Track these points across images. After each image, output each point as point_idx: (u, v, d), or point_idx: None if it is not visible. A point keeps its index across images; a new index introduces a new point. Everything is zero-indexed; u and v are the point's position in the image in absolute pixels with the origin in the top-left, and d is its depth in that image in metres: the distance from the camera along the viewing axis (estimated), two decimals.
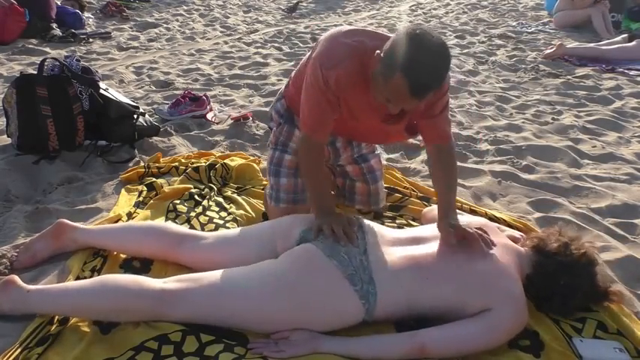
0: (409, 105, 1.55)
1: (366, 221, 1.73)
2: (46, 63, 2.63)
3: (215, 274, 1.52)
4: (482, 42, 5.87)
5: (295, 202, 1.99)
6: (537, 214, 2.26)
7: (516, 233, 1.89)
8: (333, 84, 1.64)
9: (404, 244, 1.61)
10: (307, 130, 1.78)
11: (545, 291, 1.59)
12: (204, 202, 2.20)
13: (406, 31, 1.47)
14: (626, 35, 5.39)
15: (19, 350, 1.37)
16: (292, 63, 4.73)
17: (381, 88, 1.54)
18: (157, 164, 2.55)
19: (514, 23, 6.96)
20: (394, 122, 1.74)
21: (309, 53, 1.82)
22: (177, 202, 2.19)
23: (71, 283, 1.56)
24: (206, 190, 2.31)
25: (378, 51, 1.55)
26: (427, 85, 1.47)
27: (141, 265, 1.78)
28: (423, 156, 2.88)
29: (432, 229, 1.71)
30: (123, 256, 1.81)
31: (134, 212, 2.11)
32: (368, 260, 1.52)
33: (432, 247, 1.57)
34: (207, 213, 2.12)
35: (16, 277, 1.52)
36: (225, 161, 2.52)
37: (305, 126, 1.78)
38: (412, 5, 8.50)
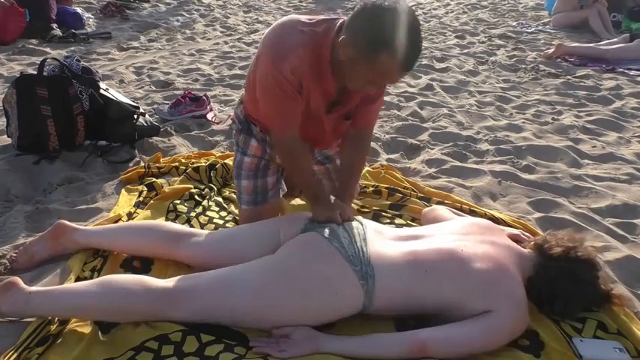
0: (396, 80, 1.56)
1: (366, 220, 1.73)
2: (46, 63, 2.63)
3: (217, 271, 1.53)
4: (483, 42, 5.87)
5: (255, 204, 1.97)
6: (537, 214, 2.26)
7: (516, 231, 1.89)
8: (289, 75, 1.58)
9: (404, 239, 1.61)
10: (278, 130, 1.72)
11: (547, 294, 1.58)
12: (205, 202, 2.20)
13: (371, 7, 1.43)
14: (627, 35, 5.39)
15: (19, 350, 1.37)
16: None
17: (362, 72, 1.49)
18: (157, 164, 2.55)
19: (514, 23, 6.96)
20: (336, 111, 1.74)
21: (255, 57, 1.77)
22: (178, 202, 2.19)
23: (72, 285, 1.55)
24: (206, 190, 2.31)
25: (343, 36, 1.49)
26: (416, 56, 1.47)
27: (141, 265, 1.78)
28: (423, 156, 2.88)
29: (432, 228, 1.71)
30: (123, 256, 1.81)
31: (134, 212, 2.11)
32: (367, 247, 1.52)
33: (433, 244, 1.57)
34: (207, 213, 2.12)
35: (17, 279, 1.51)
36: (225, 161, 2.52)
37: (275, 127, 1.72)
38: (412, 5, 8.50)
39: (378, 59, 1.43)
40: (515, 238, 1.80)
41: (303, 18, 1.64)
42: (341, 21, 1.60)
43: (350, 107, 1.80)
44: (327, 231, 1.57)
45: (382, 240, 1.58)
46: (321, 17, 1.64)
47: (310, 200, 1.79)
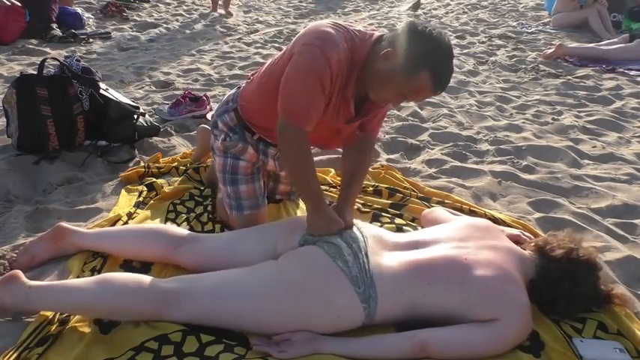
0: (424, 99, 1.65)
1: (366, 225, 1.72)
2: (46, 63, 2.63)
3: (216, 275, 1.53)
4: (483, 42, 5.87)
5: (258, 207, 1.97)
6: (537, 215, 2.26)
7: (516, 232, 1.89)
8: (334, 65, 1.58)
9: (405, 248, 1.60)
10: (297, 119, 1.63)
11: (549, 296, 1.58)
12: (205, 203, 2.20)
13: (422, 29, 1.53)
14: (627, 35, 5.39)
15: (19, 350, 1.37)
16: None
17: (398, 85, 1.57)
18: (157, 164, 2.55)
19: (514, 23, 6.97)
20: (354, 121, 1.77)
21: (277, 56, 1.78)
22: (177, 202, 2.20)
23: (73, 281, 1.56)
24: (206, 190, 2.31)
25: (388, 48, 1.56)
26: (448, 81, 1.58)
27: (141, 266, 1.78)
28: (423, 156, 2.88)
29: (432, 233, 1.70)
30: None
31: (134, 212, 2.11)
32: (369, 264, 1.51)
33: (435, 253, 1.56)
34: (207, 214, 2.12)
35: (19, 273, 1.52)
36: None
37: (294, 116, 1.63)
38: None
39: (419, 77, 1.52)
40: (515, 239, 1.80)
41: (338, 22, 1.70)
42: (377, 34, 1.67)
43: (366, 119, 1.82)
44: (330, 247, 1.54)
45: (384, 251, 1.57)
46: (354, 27, 1.69)
47: (310, 209, 1.68)
